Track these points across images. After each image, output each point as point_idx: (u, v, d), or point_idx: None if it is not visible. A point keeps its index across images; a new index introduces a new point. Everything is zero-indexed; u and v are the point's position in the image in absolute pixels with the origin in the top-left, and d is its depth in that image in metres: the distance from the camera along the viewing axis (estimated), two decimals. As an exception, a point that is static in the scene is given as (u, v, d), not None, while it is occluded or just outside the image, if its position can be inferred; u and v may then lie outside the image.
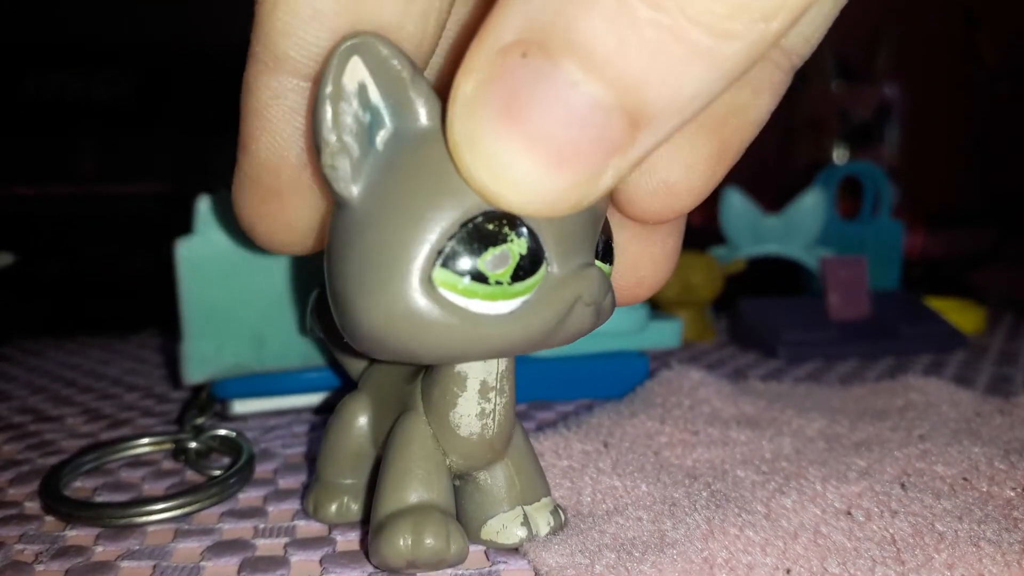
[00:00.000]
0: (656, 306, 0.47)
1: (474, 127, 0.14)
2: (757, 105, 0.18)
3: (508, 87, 0.13)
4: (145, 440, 0.28)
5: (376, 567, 0.19)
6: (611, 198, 0.19)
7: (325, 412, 0.33)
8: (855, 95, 0.89)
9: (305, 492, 0.24)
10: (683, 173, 0.18)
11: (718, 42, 0.12)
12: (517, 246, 0.16)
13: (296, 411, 0.33)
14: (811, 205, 0.53)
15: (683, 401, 0.31)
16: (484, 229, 0.15)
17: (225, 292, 0.31)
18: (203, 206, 0.30)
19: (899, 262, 0.57)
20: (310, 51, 0.15)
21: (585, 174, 0.14)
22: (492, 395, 0.19)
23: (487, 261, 0.16)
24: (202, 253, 0.30)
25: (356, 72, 0.15)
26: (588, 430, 0.28)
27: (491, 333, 0.16)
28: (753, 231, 0.53)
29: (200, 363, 0.31)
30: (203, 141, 0.68)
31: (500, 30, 0.13)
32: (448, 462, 0.20)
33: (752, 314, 0.48)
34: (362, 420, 0.22)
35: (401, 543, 0.18)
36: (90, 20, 0.68)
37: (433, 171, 0.15)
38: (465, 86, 0.14)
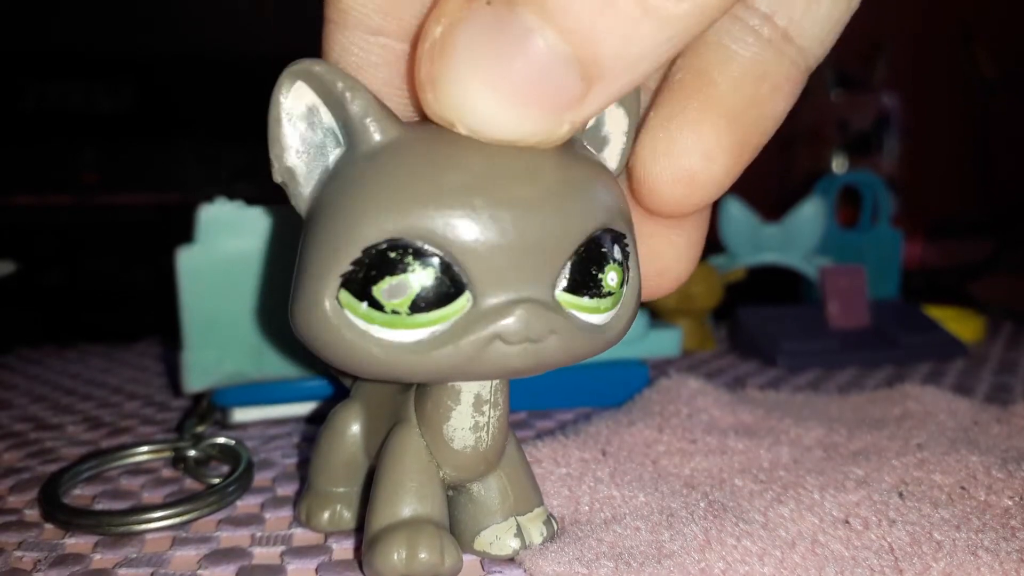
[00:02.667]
0: (655, 315, 0.47)
1: (439, 68, 0.15)
2: (774, 100, 0.18)
3: (472, 32, 0.14)
4: (144, 448, 0.28)
5: None
6: (633, 191, 0.19)
7: (317, 421, 0.33)
8: (854, 105, 0.89)
9: (297, 500, 0.24)
10: (704, 162, 0.18)
11: (667, 3, 0.13)
12: (418, 277, 0.16)
13: (296, 420, 0.33)
14: (810, 214, 0.53)
15: (681, 410, 0.31)
16: (385, 257, 0.16)
17: (226, 301, 0.31)
18: (204, 215, 0.30)
19: (898, 271, 0.57)
20: (368, 3, 0.16)
21: (543, 120, 0.15)
22: (486, 408, 0.19)
23: (382, 290, 0.16)
24: (203, 262, 0.30)
25: (303, 96, 0.16)
26: (586, 438, 0.28)
27: (394, 359, 0.16)
28: (752, 240, 0.53)
29: (200, 372, 0.31)
30: (205, 151, 0.69)
31: None
32: (441, 474, 0.20)
33: (751, 323, 0.48)
34: (354, 429, 0.22)
35: (395, 557, 0.18)
36: (92, 30, 0.68)
37: (360, 192, 0.16)
38: (434, 30, 0.15)
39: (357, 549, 0.22)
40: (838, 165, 0.90)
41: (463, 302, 0.16)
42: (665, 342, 0.38)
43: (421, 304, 0.16)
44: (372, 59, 0.17)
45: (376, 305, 0.16)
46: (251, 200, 0.31)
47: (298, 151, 0.16)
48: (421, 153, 0.16)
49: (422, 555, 0.18)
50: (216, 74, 0.68)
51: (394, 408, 0.21)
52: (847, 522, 0.21)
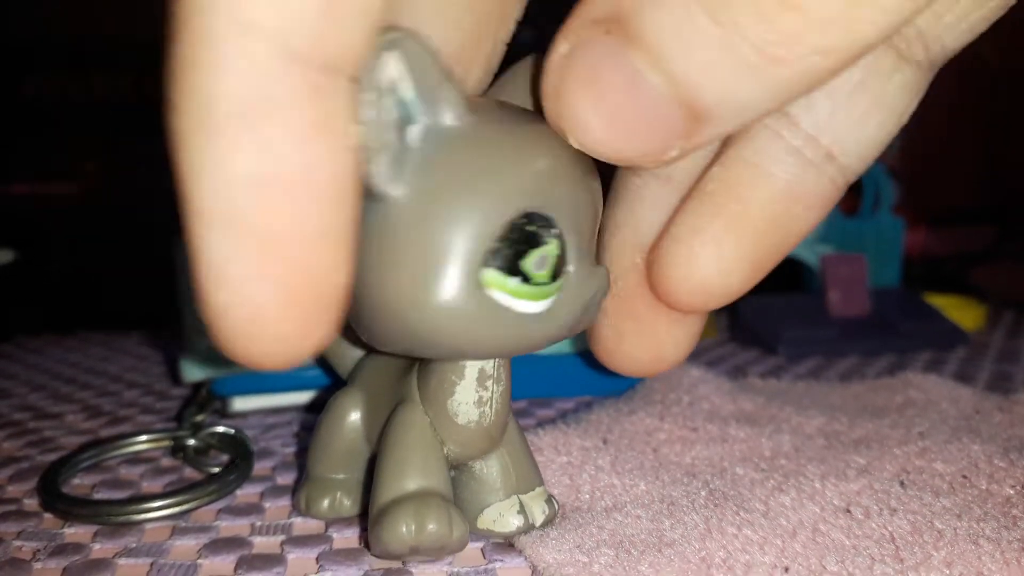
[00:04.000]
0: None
1: (561, 85, 0.15)
2: (806, 219, 0.18)
3: (591, 57, 0.15)
4: (144, 437, 0.28)
5: (377, 555, 0.19)
6: (648, 283, 0.19)
7: (316, 410, 0.33)
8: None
9: (296, 488, 0.24)
10: (721, 278, 0.18)
11: (767, 64, 0.13)
12: (553, 247, 0.16)
13: (295, 409, 0.33)
14: (811, 202, 0.53)
15: (682, 398, 0.31)
16: (527, 231, 0.16)
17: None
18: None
19: (899, 259, 0.56)
20: (287, 16, 0.12)
21: (649, 149, 0.15)
22: (490, 383, 0.19)
23: (532, 262, 0.16)
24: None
25: (389, 68, 0.15)
26: (587, 426, 0.28)
27: (530, 330, 0.17)
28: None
29: (200, 360, 0.31)
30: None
31: (595, 2, 0.15)
32: (445, 451, 0.20)
33: (752, 311, 0.48)
34: (354, 416, 0.22)
35: (404, 529, 0.18)
36: (91, 19, 0.68)
37: (475, 171, 0.16)
38: (561, 46, 0.15)
39: (360, 536, 0.22)
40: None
41: (566, 270, 0.17)
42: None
43: (555, 273, 0.17)
44: (294, 91, 0.12)
45: (525, 278, 0.16)
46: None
47: (390, 128, 0.15)
48: (516, 133, 0.16)
49: (430, 526, 0.18)
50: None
51: (395, 392, 0.21)
52: (848, 511, 0.21)
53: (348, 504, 0.23)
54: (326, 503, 0.23)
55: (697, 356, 0.44)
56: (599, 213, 0.18)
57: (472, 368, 0.19)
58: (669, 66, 0.14)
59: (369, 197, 0.15)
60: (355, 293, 0.16)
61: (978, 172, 0.97)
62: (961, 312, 0.50)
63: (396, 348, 0.17)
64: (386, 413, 0.21)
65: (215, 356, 0.31)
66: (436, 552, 0.19)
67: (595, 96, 0.15)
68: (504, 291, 0.16)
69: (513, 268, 0.16)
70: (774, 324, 0.45)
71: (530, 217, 0.16)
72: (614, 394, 0.33)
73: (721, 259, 0.18)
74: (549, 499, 0.21)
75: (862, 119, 0.17)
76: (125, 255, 0.62)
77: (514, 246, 0.16)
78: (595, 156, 0.16)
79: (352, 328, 0.18)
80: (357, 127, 0.14)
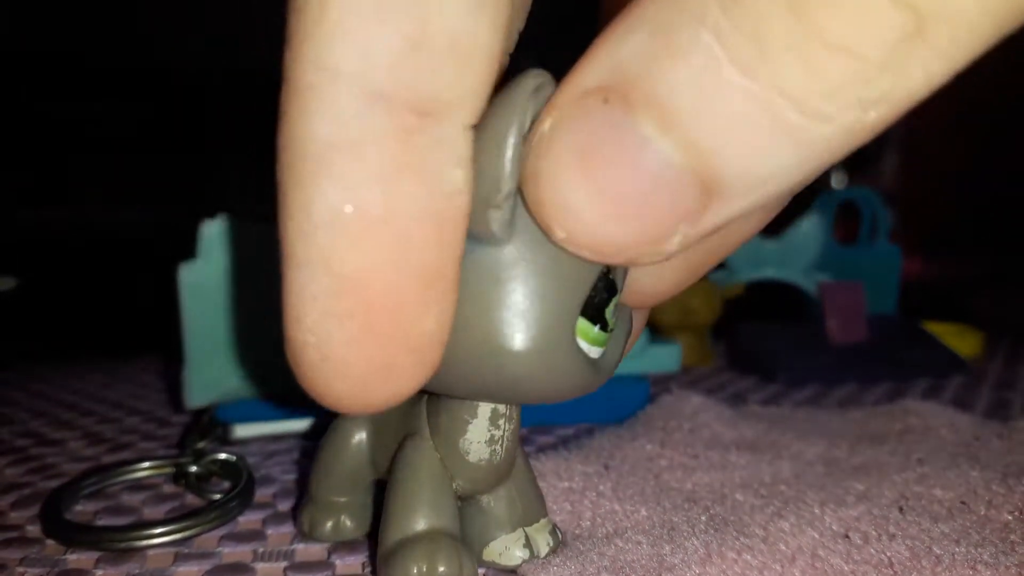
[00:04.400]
0: (655, 330, 0.47)
1: (545, 165, 0.13)
2: (746, 224, 0.18)
3: (584, 131, 0.13)
4: (146, 464, 0.28)
5: None
6: None
7: (317, 437, 0.33)
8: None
9: (298, 510, 0.24)
10: (653, 281, 0.18)
11: (808, 122, 0.11)
12: (619, 294, 0.17)
13: (296, 436, 0.33)
14: (809, 230, 0.53)
15: (683, 425, 0.31)
16: (608, 279, 0.16)
17: (227, 317, 0.31)
18: (207, 232, 0.31)
19: (897, 287, 0.57)
20: (373, 56, 0.13)
21: (649, 234, 0.13)
22: (502, 422, 0.19)
23: (611, 311, 0.16)
24: (205, 278, 0.31)
25: (529, 112, 0.14)
26: (589, 452, 0.28)
27: (593, 376, 0.17)
28: (751, 255, 0.53)
29: (202, 387, 0.31)
30: (208, 166, 0.69)
31: (588, 72, 0.13)
32: (454, 486, 0.20)
33: (751, 339, 0.48)
34: (358, 439, 0.23)
35: (415, 570, 0.18)
36: (94, 45, 0.69)
37: None
38: (545, 123, 0.13)
39: (363, 564, 0.22)
40: (837, 181, 0.91)
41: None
42: (665, 357, 0.38)
43: (614, 319, 0.17)
44: (376, 131, 0.13)
45: (604, 326, 0.16)
46: (253, 217, 0.31)
47: (512, 172, 0.14)
48: None
49: (441, 568, 0.18)
50: (219, 89, 0.68)
51: (403, 420, 0.21)
52: (847, 536, 0.21)
53: (351, 527, 0.23)
54: (329, 525, 0.23)
55: (697, 383, 0.44)
56: None
57: (485, 408, 0.19)
58: (686, 130, 0.12)
59: (472, 240, 0.15)
60: (463, 339, 0.16)
61: (974, 199, 0.98)
62: (959, 339, 0.50)
63: (472, 394, 0.17)
64: (392, 439, 0.21)
65: (216, 383, 0.31)
66: None
67: (587, 172, 0.13)
68: (587, 339, 0.16)
69: (598, 316, 0.16)
70: (773, 351, 0.45)
71: (609, 266, 0.16)
72: (615, 421, 0.33)
73: (653, 266, 0.17)
74: (553, 530, 0.22)
75: None
76: (127, 283, 0.62)
77: (600, 295, 0.16)
78: (582, 253, 0.14)
79: None
80: (460, 171, 0.14)
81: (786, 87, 0.11)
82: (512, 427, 0.20)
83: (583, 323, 0.16)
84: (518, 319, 0.15)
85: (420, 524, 0.19)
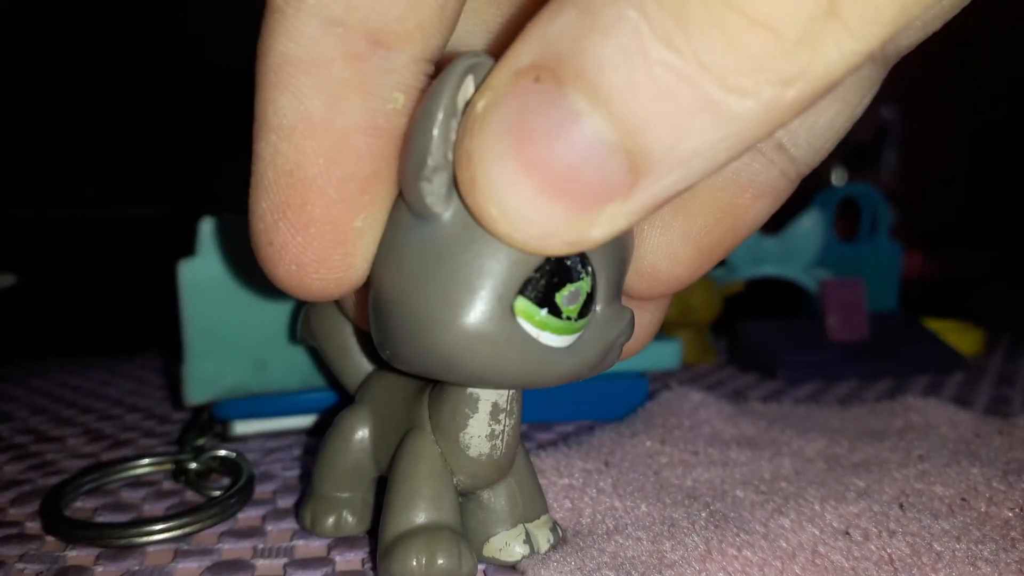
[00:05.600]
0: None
1: (477, 144, 0.13)
2: (756, 208, 0.18)
3: (516, 109, 0.13)
4: (145, 461, 0.28)
5: None
6: None
7: (318, 434, 0.33)
8: (853, 118, 0.89)
9: (300, 505, 0.24)
10: (669, 264, 0.18)
11: (728, 97, 0.12)
12: (585, 284, 0.16)
13: (296, 432, 0.33)
14: (809, 227, 0.53)
15: (683, 422, 0.31)
16: (564, 265, 0.16)
17: (227, 314, 0.31)
18: (206, 228, 0.31)
19: (897, 284, 0.57)
20: None
21: (579, 212, 0.13)
22: (503, 417, 0.19)
23: (564, 297, 0.16)
24: (204, 275, 0.31)
25: (465, 91, 0.15)
26: (589, 449, 0.28)
27: (552, 365, 0.16)
28: (751, 253, 0.53)
29: (201, 384, 0.31)
30: (206, 164, 0.69)
31: (520, 53, 0.13)
32: (455, 481, 0.20)
33: (751, 336, 0.48)
34: (361, 434, 0.23)
35: (414, 563, 0.18)
36: (94, 44, 0.69)
37: None
38: (479, 103, 0.14)
39: (363, 560, 0.22)
40: (837, 177, 0.91)
41: (593, 309, 0.17)
42: (665, 354, 0.38)
43: (584, 310, 0.16)
44: (327, 52, 0.14)
45: (555, 311, 0.16)
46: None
47: (440, 145, 0.15)
48: None
49: (440, 560, 0.18)
50: (218, 87, 0.68)
51: (405, 414, 0.21)
52: (847, 533, 0.21)
53: (352, 522, 0.23)
54: (331, 521, 0.23)
55: (697, 380, 0.44)
56: (629, 258, 0.18)
57: (486, 402, 0.19)
58: (614, 106, 0.12)
59: (416, 215, 0.16)
60: (386, 309, 0.16)
61: (975, 196, 0.98)
62: (959, 336, 0.50)
63: (418, 369, 0.17)
64: (395, 434, 0.21)
65: (216, 380, 0.31)
66: None
67: (518, 147, 0.13)
68: (532, 322, 0.16)
69: (545, 300, 0.16)
70: (773, 348, 0.45)
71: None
72: (615, 418, 0.33)
73: (668, 245, 0.18)
74: (554, 527, 0.22)
75: (815, 112, 0.17)
76: (126, 279, 0.62)
77: (550, 278, 0.16)
78: (513, 235, 0.14)
79: (374, 345, 0.18)
80: (402, 96, 0.15)
81: (708, 61, 0.12)
82: (513, 422, 0.20)
83: (525, 304, 0.16)
84: (448, 295, 0.15)
85: (420, 517, 0.19)
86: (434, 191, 0.15)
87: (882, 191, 0.60)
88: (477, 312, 0.15)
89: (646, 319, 0.21)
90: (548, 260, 0.16)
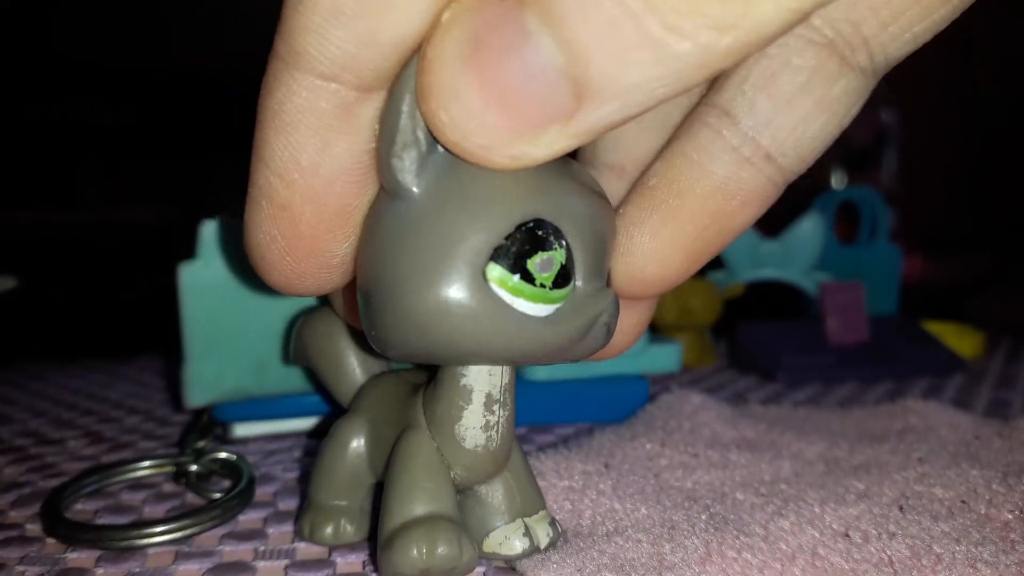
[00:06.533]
0: (656, 330, 0.47)
1: (438, 51, 0.14)
2: (743, 215, 0.19)
3: (476, 22, 0.14)
4: (146, 463, 0.28)
5: None
6: None
7: (318, 436, 0.33)
8: (853, 121, 0.89)
9: (298, 515, 0.24)
10: (658, 268, 0.19)
11: (667, 36, 0.13)
12: (559, 255, 0.17)
13: (297, 435, 0.33)
14: (809, 230, 0.53)
15: (683, 424, 0.31)
16: (535, 234, 0.16)
17: (227, 317, 0.31)
18: (207, 231, 0.31)
19: (897, 287, 0.57)
20: (328, 49, 0.15)
21: (522, 128, 0.14)
22: (496, 408, 0.20)
23: (536, 263, 0.16)
24: (205, 278, 0.31)
25: None
26: (589, 451, 0.28)
27: (528, 333, 0.17)
28: (751, 256, 0.53)
29: (202, 387, 0.31)
30: (207, 167, 0.69)
31: None
32: (452, 475, 0.20)
33: (751, 338, 0.48)
34: (357, 443, 0.23)
35: (415, 552, 0.18)
36: (94, 46, 0.69)
37: (492, 176, 0.16)
38: (446, 13, 0.14)
39: (364, 562, 0.22)
40: (837, 181, 0.91)
41: (573, 283, 0.17)
42: (665, 357, 0.38)
43: (559, 280, 0.17)
44: (321, 104, 0.16)
45: (527, 277, 0.16)
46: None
47: (424, 128, 0.16)
48: None
49: (440, 549, 0.18)
50: (219, 89, 0.68)
51: (400, 418, 0.21)
52: (847, 535, 0.21)
53: (351, 531, 0.23)
54: (329, 530, 0.23)
55: (697, 383, 0.44)
56: (610, 241, 0.18)
57: (479, 393, 0.19)
58: (563, 30, 0.13)
59: (391, 194, 0.17)
60: (367, 290, 0.17)
61: (975, 200, 0.98)
62: (959, 339, 0.50)
63: (403, 350, 0.17)
64: (391, 440, 0.21)
65: (216, 383, 0.31)
66: (446, 574, 0.19)
67: (474, 58, 0.14)
68: (505, 287, 0.16)
69: (517, 267, 0.16)
70: (773, 351, 0.45)
71: (540, 223, 0.16)
72: (613, 420, 0.33)
73: (658, 250, 0.19)
74: (552, 522, 0.22)
75: (804, 121, 0.17)
76: (127, 282, 0.62)
77: (520, 245, 0.16)
78: (460, 143, 0.15)
79: (367, 338, 0.18)
80: (378, 126, 0.16)
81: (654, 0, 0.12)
82: (507, 413, 0.20)
83: (499, 271, 0.16)
84: (421, 265, 0.16)
85: (419, 509, 0.19)
86: (405, 168, 0.16)
87: (882, 194, 0.60)
88: (450, 279, 0.16)
89: (635, 317, 0.21)
90: (519, 228, 0.16)
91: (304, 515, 0.23)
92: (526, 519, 0.21)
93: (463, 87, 0.14)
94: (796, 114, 0.17)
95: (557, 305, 0.17)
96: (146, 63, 0.70)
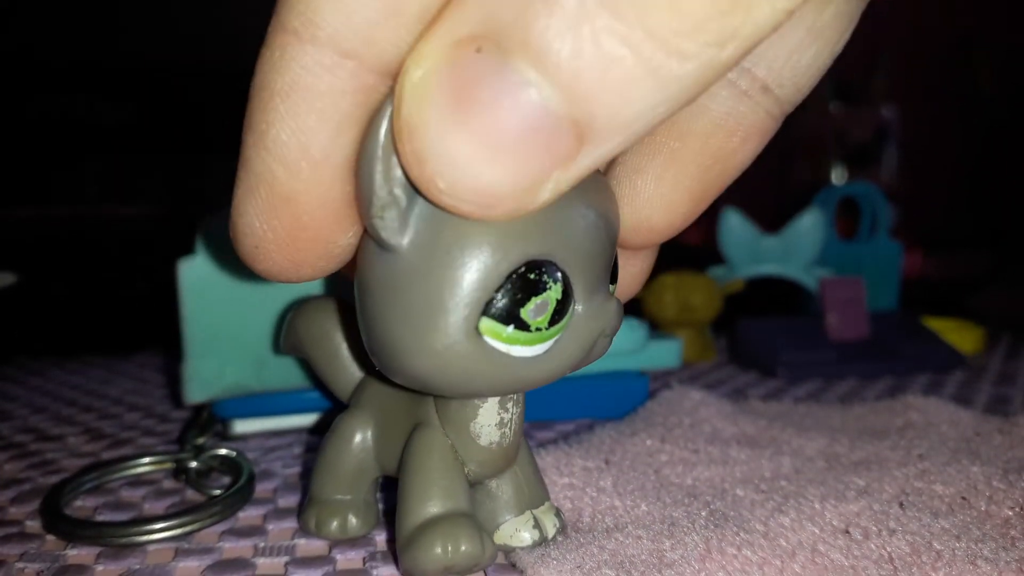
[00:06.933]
0: (656, 326, 0.47)
1: (419, 117, 0.13)
2: (744, 151, 0.18)
3: (458, 78, 0.13)
4: (146, 459, 0.28)
5: None
6: None
7: (318, 432, 0.33)
8: (853, 117, 0.90)
9: (301, 510, 0.24)
10: (664, 215, 0.19)
11: (669, 60, 0.12)
12: (554, 292, 0.16)
13: (296, 431, 0.33)
14: (809, 226, 0.53)
15: (684, 420, 0.31)
16: (527, 279, 0.16)
17: (227, 313, 0.31)
18: (206, 227, 0.31)
19: (897, 283, 0.57)
20: (351, 19, 0.14)
21: (525, 179, 0.14)
22: (510, 405, 0.20)
23: (529, 311, 0.16)
24: (204, 274, 0.31)
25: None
26: (590, 448, 0.28)
27: (526, 373, 0.17)
28: (752, 251, 0.53)
29: (201, 383, 0.31)
30: (206, 163, 0.69)
31: (456, 23, 0.13)
32: (466, 471, 0.20)
33: (751, 334, 0.48)
34: (361, 436, 0.23)
35: (438, 550, 0.19)
36: (94, 43, 0.68)
37: (476, 226, 0.15)
38: (414, 72, 0.13)
39: (363, 559, 0.22)
40: (837, 176, 0.91)
41: (572, 308, 0.17)
42: (665, 353, 0.38)
43: (556, 317, 0.17)
44: (338, 85, 0.14)
45: (521, 326, 0.16)
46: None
47: (401, 183, 0.15)
48: None
49: (464, 547, 0.19)
50: (219, 87, 0.68)
51: (409, 414, 0.21)
52: (847, 532, 0.21)
53: (356, 524, 0.23)
54: (335, 524, 0.23)
55: (697, 379, 0.44)
56: (614, 241, 0.18)
57: None
58: (562, 75, 0.12)
59: (381, 246, 0.16)
60: (365, 332, 0.17)
61: (975, 196, 0.98)
62: (959, 335, 0.50)
63: (404, 383, 0.18)
64: (398, 434, 0.21)
65: (216, 379, 0.31)
66: (469, 570, 0.19)
67: (464, 117, 0.13)
68: (499, 339, 0.16)
69: (511, 318, 0.16)
70: (773, 347, 0.45)
71: (531, 265, 0.16)
72: (613, 417, 0.33)
73: (662, 196, 0.19)
74: (557, 512, 0.22)
75: (797, 50, 0.17)
76: (127, 278, 0.62)
77: (512, 295, 0.16)
78: (460, 207, 0.14)
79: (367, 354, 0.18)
80: (355, 188, 0.15)
81: (652, 27, 0.12)
82: (519, 411, 0.20)
83: (491, 324, 0.16)
84: (413, 323, 0.16)
85: (437, 507, 0.19)
86: (387, 226, 0.15)
87: (882, 190, 0.60)
88: (442, 337, 0.16)
89: (639, 266, 0.21)
90: (509, 278, 0.16)
91: (308, 510, 0.23)
92: (534, 511, 0.22)
93: (457, 149, 0.13)
94: (789, 43, 0.17)
95: (556, 338, 0.17)
96: (147, 61, 0.70)
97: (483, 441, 0.20)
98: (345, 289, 0.22)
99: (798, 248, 0.53)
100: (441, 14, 0.13)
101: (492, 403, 0.20)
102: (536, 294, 0.16)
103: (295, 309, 0.26)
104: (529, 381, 0.17)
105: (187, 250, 0.31)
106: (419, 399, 0.21)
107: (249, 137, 0.15)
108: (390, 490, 0.25)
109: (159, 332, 0.41)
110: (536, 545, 0.21)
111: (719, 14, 0.12)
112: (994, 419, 0.33)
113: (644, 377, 0.35)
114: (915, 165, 0.93)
